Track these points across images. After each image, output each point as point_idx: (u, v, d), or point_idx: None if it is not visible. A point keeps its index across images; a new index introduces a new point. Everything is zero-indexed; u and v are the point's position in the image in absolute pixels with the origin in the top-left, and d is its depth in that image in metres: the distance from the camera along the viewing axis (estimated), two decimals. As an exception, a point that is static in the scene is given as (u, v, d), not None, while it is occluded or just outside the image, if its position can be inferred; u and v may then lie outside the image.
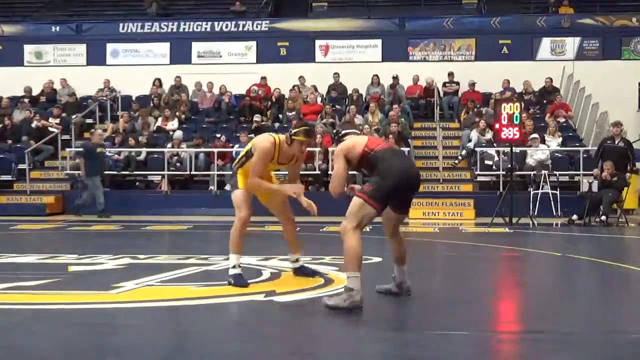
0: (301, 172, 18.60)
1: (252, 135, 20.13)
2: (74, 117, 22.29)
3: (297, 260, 8.12)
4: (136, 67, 24.98)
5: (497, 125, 16.53)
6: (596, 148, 17.60)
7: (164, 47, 25.41)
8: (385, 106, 22.08)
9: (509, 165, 17.10)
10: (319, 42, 24.92)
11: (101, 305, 6.64)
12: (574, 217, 16.17)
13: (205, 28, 25.60)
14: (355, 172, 7.24)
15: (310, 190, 19.01)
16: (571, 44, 24.00)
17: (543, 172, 17.86)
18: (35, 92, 24.30)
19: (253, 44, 25.17)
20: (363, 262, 6.33)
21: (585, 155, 18.55)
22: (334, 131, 7.24)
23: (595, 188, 16.87)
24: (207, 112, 23.00)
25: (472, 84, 22.94)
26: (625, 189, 16.38)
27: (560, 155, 18.93)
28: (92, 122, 22.81)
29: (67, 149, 20.37)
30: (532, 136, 18.80)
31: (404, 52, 24.57)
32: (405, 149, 18.82)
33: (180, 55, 25.14)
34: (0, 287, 7.42)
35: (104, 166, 18.52)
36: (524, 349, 5.37)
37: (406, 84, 23.46)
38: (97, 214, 17.58)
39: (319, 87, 23.20)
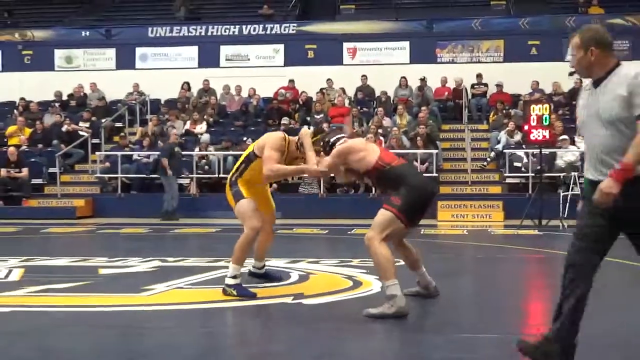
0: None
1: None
2: (103, 120, 22.46)
3: (262, 267, 7.92)
4: (165, 70, 25.12)
5: (526, 127, 16.45)
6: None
7: (193, 51, 25.54)
8: (414, 108, 22.03)
9: (538, 167, 16.99)
10: (346, 45, 24.92)
11: (131, 308, 6.70)
12: (604, 219, 16.00)
13: (234, 31, 25.71)
14: None
15: (338, 193, 19.03)
16: (601, 44, 23.75)
17: (573, 173, 17.70)
18: (65, 97, 24.53)
19: (281, 46, 25.23)
20: (396, 264, 6.30)
21: (615, 157, 18.36)
22: (324, 141, 6.91)
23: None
24: (235, 115, 23.08)
25: (501, 85, 22.82)
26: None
27: (590, 157, 18.74)
28: (122, 126, 22.99)
29: (97, 153, 20.54)
30: (561, 137, 18.66)
31: (432, 54, 24.49)
32: (434, 151, 18.78)
33: (209, 58, 25.25)
34: (32, 290, 7.51)
35: (180, 166, 18.67)
36: (553, 352, 5.33)
37: (434, 86, 23.39)
38: (163, 216, 17.74)
39: (346, 90, 23.19)
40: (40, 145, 21.21)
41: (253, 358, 5.10)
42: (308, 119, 22.35)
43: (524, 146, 18.65)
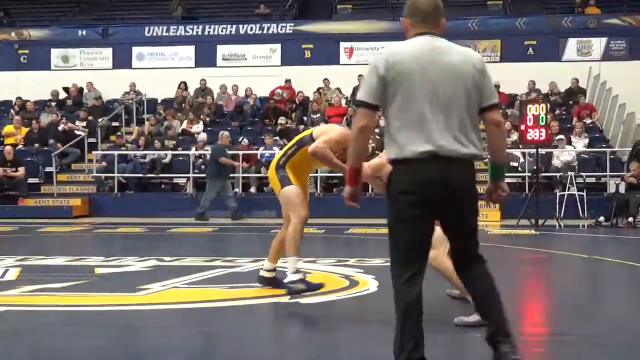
0: (326, 174, 18.81)
1: (277, 137, 20.22)
2: (100, 120, 22.45)
3: (274, 270, 7.36)
4: (161, 70, 25.09)
5: (522, 127, 16.45)
6: (627, 149, 17.46)
7: (189, 50, 25.52)
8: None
9: (535, 167, 17.00)
10: (343, 44, 24.91)
11: (128, 307, 6.69)
12: (601, 218, 16.04)
13: (230, 31, 25.69)
14: None
15: (335, 192, 19.03)
16: (598, 44, 23.81)
17: (569, 173, 17.74)
18: (62, 96, 24.50)
19: (277, 46, 25.21)
20: (389, 263, 6.25)
21: (612, 157, 18.40)
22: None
23: (622, 189, 16.73)
24: (231, 114, 23.07)
25: (498, 85, 22.80)
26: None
27: (586, 157, 18.79)
28: (118, 125, 22.96)
29: (94, 152, 20.52)
30: (558, 137, 18.68)
31: (429, 54, 24.47)
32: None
33: (205, 58, 25.23)
34: (28, 289, 7.49)
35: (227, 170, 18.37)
36: (550, 351, 5.35)
37: (431, 86, 23.35)
38: (195, 216, 17.50)
39: (343, 90, 23.18)
40: (36, 145, 21.18)
41: (250, 358, 5.09)
42: (305, 118, 22.35)
43: (520, 146, 18.65)
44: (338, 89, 23.07)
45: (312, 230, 14.84)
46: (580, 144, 19.05)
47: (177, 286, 7.75)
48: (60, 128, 21.58)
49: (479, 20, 24.84)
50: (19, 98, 23.93)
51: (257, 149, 19.75)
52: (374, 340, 5.52)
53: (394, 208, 4.18)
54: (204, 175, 19.09)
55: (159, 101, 24.04)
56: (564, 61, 23.78)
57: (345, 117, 21.43)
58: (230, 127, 22.13)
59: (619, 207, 15.94)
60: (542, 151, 17.64)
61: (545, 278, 9.43)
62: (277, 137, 20.31)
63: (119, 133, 21.50)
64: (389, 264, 7.40)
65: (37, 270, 9.02)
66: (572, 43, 23.95)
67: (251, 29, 25.54)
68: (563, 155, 18.39)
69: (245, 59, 25.25)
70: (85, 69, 25.55)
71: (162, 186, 20.16)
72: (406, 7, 4.30)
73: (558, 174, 18.12)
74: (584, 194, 17.32)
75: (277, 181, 7.04)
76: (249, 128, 22.01)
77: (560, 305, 7.17)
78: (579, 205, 17.13)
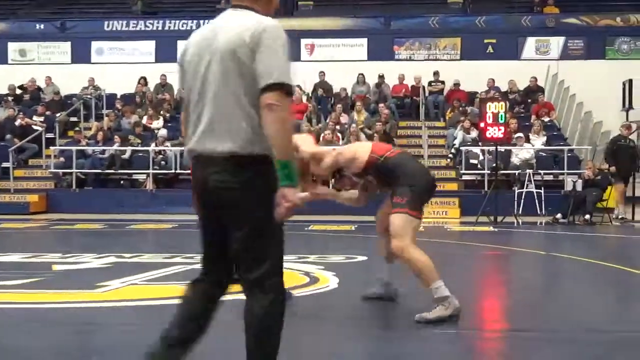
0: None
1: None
2: (58, 115, 22.18)
3: None
4: (121, 65, 24.88)
5: (482, 124, 16.59)
6: (584, 148, 17.68)
7: (149, 46, 25.33)
8: (371, 105, 22.09)
9: (494, 164, 17.15)
10: (304, 41, 24.89)
11: (86, 305, 6.62)
12: (558, 215, 16.24)
13: (191, 26, 25.49)
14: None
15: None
16: (556, 43, 24.09)
17: (528, 171, 17.92)
18: (19, 90, 24.17)
19: (238, 42, 25.09)
20: (350, 260, 6.28)
21: (569, 155, 18.63)
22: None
23: (579, 187, 16.94)
24: (192, 110, 22.89)
25: (457, 83, 22.99)
26: (609, 187, 16.49)
27: (544, 155, 19.00)
28: (77, 121, 22.71)
29: (52, 148, 20.27)
30: (516, 135, 18.85)
31: (389, 51, 24.58)
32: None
33: (166, 53, 25.00)
34: (-16, 286, 7.39)
35: None
36: (509, 347, 5.40)
37: (392, 83, 23.48)
38: None
39: (304, 86, 23.17)
40: (-8, 140, 20.90)
41: (205, 355, 5.06)
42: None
43: (480, 143, 18.81)
44: (299, 85, 23.04)
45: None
46: (538, 142, 19.25)
47: (136, 283, 7.69)
48: (17, 123, 21.29)
49: (439, 18, 24.99)
50: (-25, 92, 23.59)
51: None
52: (332, 336, 5.53)
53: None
54: (164, 171, 18.96)
55: (119, 96, 23.81)
56: (523, 60, 24.01)
57: (305, 114, 21.44)
58: (191, 123, 22.00)
59: (576, 204, 16.14)
60: (501, 149, 17.80)
61: (504, 274, 9.52)
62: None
63: (77, 128, 21.28)
64: (349, 260, 7.42)
65: (-7, 267, 8.90)
66: (530, 42, 24.20)
67: (212, 25, 25.40)
68: (522, 153, 18.57)
69: (206, 54, 25.09)
70: (43, 63, 25.24)
71: (122, 182, 19.99)
72: None
73: (517, 172, 18.30)
74: (542, 191, 17.50)
75: None
76: (210, 124, 21.88)
77: (518, 301, 7.24)
78: (537, 202, 17.31)
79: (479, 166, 18.81)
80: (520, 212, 16.98)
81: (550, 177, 18.67)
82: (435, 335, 5.52)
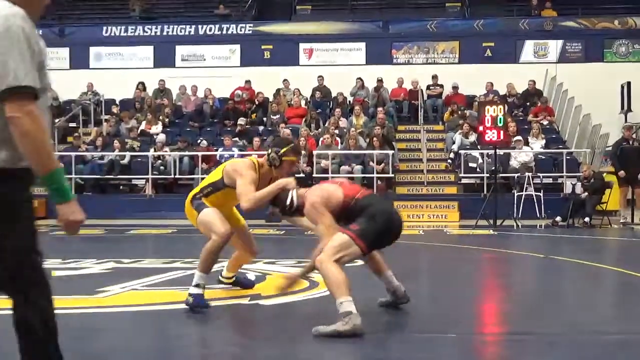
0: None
1: (237, 138, 20.16)
2: (57, 121, 22.19)
3: (231, 277, 7.42)
4: (120, 70, 24.91)
5: (480, 128, 16.61)
6: (582, 150, 17.69)
7: (148, 51, 25.36)
8: (370, 109, 22.11)
9: (493, 168, 17.16)
10: (302, 46, 24.94)
11: (86, 310, 6.62)
12: (558, 218, 16.25)
13: (189, 31, 25.58)
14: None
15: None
16: (554, 46, 24.14)
17: (527, 174, 17.94)
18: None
19: (237, 47, 25.16)
20: (350, 265, 6.26)
21: (568, 157, 18.65)
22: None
23: (578, 190, 16.98)
24: (191, 115, 22.95)
25: (456, 87, 23.01)
26: (608, 190, 16.50)
27: (543, 158, 19.02)
28: (76, 126, 22.72)
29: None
30: (515, 138, 18.87)
31: (388, 55, 24.62)
32: (390, 152, 18.86)
33: (164, 58, 25.09)
34: (-16, 293, 7.37)
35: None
36: (508, 351, 5.40)
37: (390, 87, 23.50)
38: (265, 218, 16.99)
39: (303, 90, 23.20)
40: (-8, 146, 20.85)
41: (205, 359, 5.07)
42: (265, 119, 22.33)
43: (478, 147, 18.82)
44: (297, 89, 23.08)
45: (271, 232, 14.83)
46: (537, 145, 19.27)
47: (137, 288, 7.68)
48: (16, 129, 21.27)
49: (437, 22, 25.04)
50: (-27, 98, 23.55)
51: (217, 150, 19.67)
52: (331, 341, 5.52)
53: None
54: (163, 176, 18.96)
55: (117, 102, 23.83)
56: (521, 63, 24.05)
57: (304, 118, 21.47)
58: (190, 128, 22.04)
59: (576, 207, 16.17)
60: (500, 152, 17.82)
61: (503, 278, 9.52)
62: (237, 138, 20.27)
63: (76, 134, 21.28)
64: (350, 265, 7.39)
65: (-8, 273, 8.86)
66: (529, 45, 24.25)
67: (210, 30, 25.47)
68: (520, 156, 18.58)
69: (205, 59, 25.17)
70: (42, 69, 25.20)
71: (121, 187, 20.00)
72: None
73: (516, 175, 18.31)
74: (541, 194, 17.52)
75: (193, 210, 6.72)
76: (209, 129, 21.92)
77: (517, 304, 7.24)
78: (536, 205, 17.33)
79: (477, 169, 18.83)
80: (519, 215, 16.99)
81: (550, 180, 18.68)
82: (435, 340, 5.52)
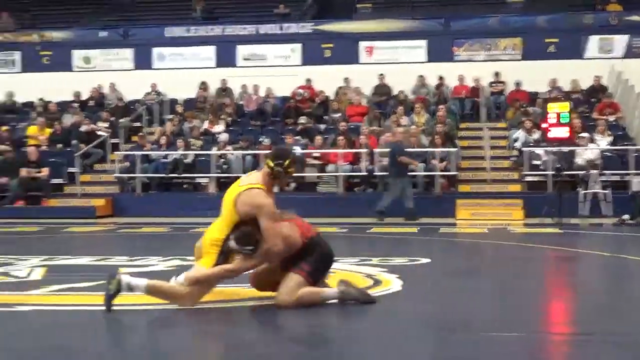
0: (348, 173, 18.80)
1: (298, 137, 20.25)
2: (122, 120, 22.56)
3: None
4: (182, 70, 25.20)
5: (544, 125, 16.38)
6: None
7: (210, 51, 25.60)
8: (431, 107, 21.99)
9: (558, 165, 16.92)
10: (363, 44, 24.90)
11: (152, 307, 6.71)
12: (625, 216, 15.93)
13: (250, 31, 25.74)
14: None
15: (357, 192, 19.03)
16: (620, 41, 23.67)
17: (592, 171, 17.63)
18: (84, 97, 24.64)
19: (298, 46, 25.24)
20: (413, 262, 6.25)
21: (636, 154, 18.27)
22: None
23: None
24: (252, 114, 23.11)
25: (519, 83, 22.75)
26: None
27: (610, 155, 18.67)
28: (140, 126, 23.07)
29: (116, 153, 20.64)
30: (580, 135, 18.58)
31: (449, 52, 24.44)
32: (452, 150, 18.72)
33: (226, 58, 25.30)
34: (54, 289, 7.55)
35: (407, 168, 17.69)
36: (574, 351, 5.32)
37: (452, 84, 23.34)
38: (404, 216, 16.88)
39: (363, 89, 23.18)
40: (59, 146, 21.31)
41: (266, 357, 5.10)
42: (325, 118, 22.38)
43: (543, 144, 18.57)
44: (357, 88, 23.06)
45: (335, 230, 14.85)
46: (603, 142, 18.93)
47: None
48: (82, 129, 21.71)
49: (499, 18, 24.76)
50: (41, 99, 24.09)
51: (279, 149, 19.74)
52: (396, 339, 5.51)
53: None
54: (226, 175, 19.10)
55: (180, 101, 24.12)
56: (586, 59, 23.64)
57: (366, 116, 21.46)
58: (252, 127, 22.20)
59: (644, 205, 15.83)
60: (565, 149, 17.55)
61: (569, 277, 9.38)
62: (298, 137, 20.35)
63: (140, 133, 21.60)
64: (413, 263, 7.41)
65: (62, 270, 9.08)
66: (593, 40, 23.82)
67: (271, 29, 25.60)
68: (586, 154, 18.28)
69: (266, 59, 25.30)
70: (107, 70, 25.69)
71: (185, 186, 20.23)
72: None
73: (581, 172, 18.01)
74: (608, 192, 17.20)
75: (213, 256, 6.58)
76: (270, 128, 22.04)
77: (583, 303, 7.14)
78: (602, 203, 17.01)
79: (542, 167, 18.57)
80: (585, 213, 16.71)
81: (617, 178, 18.32)
82: (502, 338, 5.47)
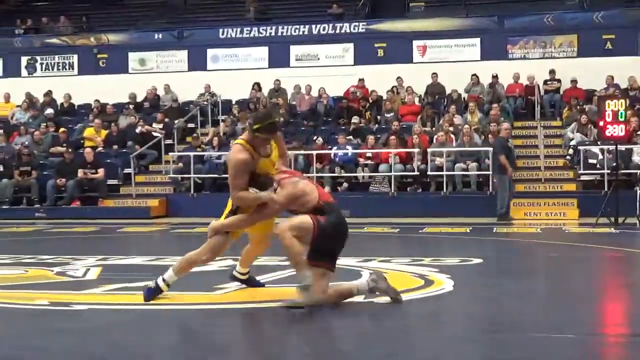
0: (400, 173, 18.75)
1: (351, 137, 20.25)
2: (176, 122, 22.80)
3: (247, 273, 7.56)
4: (236, 71, 25.37)
5: (601, 123, 16.13)
6: None
7: (263, 51, 25.72)
8: (485, 105, 21.80)
9: (614, 164, 16.64)
10: (416, 43, 24.78)
11: (204, 306, 6.78)
12: (683, 216, 15.60)
13: (303, 31, 25.80)
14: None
15: (409, 192, 18.97)
16: (679, 37, 23.18)
17: (650, 170, 17.29)
18: (139, 99, 24.96)
19: (350, 45, 25.23)
20: (465, 262, 6.22)
21: (695, 153, 17.88)
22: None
23: None
24: (305, 114, 23.17)
25: (574, 81, 22.43)
26: None
27: (668, 153, 18.29)
28: (194, 127, 23.29)
29: (170, 153, 20.87)
30: (638, 133, 18.24)
31: (503, 50, 24.19)
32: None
33: (279, 58, 25.40)
34: (109, 288, 7.67)
35: (515, 163, 17.62)
36: (629, 353, 5.24)
37: (506, 83, 23.10)
38: (496, 216, 16.81)
39: (416, 88, 23.06)
40: (115, 147, 21.62)
41: (321, 356, 5.11)
42: (378, 117, 22.34)
43: (598, 142, 18.28)
44: (411, 87, 22.97)
45: (386, 230, 14.83)
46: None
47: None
48: (138, 130, 22.00)
49: (554, 15, 24.42)
50: (97, 101, 24.47)
51: (331, 149, 19.78)
52: (447, 339, 5.49)
53: None
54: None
55: (234, 102, 24.29)
56: (644, 55, 23.19)
57: (419, 115, 21.37)
58: (304, 127, 22.26)
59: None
60: (622, 148, 17.26)
61: (626, 277, 9.22)
62: (351, 137, 20.35)
63: (194, 134, 21.80)
64: (464, 263, 7.35)
65: (117, 270, 9.22)
66: (651, 36, 23.36)
67: (324, 29, 25.62)
68: (643, 152, 17.94)
69: (318, 59, 25.34)
70: (161, 71, 25.99)
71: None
72: None
73: (638, 171, 17.69)
74: (666, 191, 16.85)
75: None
76: (323, 128, 22.07)
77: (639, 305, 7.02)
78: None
79: (598, 166, 18.28)
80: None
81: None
82: (554, 340, 5.41)
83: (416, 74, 23.52)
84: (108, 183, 20.09)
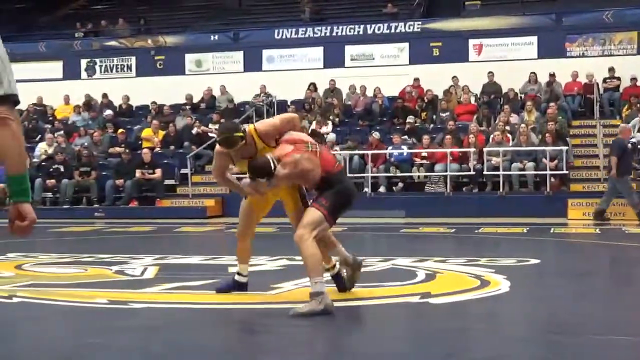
0: (456, 173, 18.62)
1: (406, 137, 20.18)
2: (232, 122, 22.93)
3: (334, 267, 7.26)
4: (291, 72, 25.47)
5: (662, 122, 15.81)
6: None
7: (318, 52, 25.78)
8: (542, 104, 21.54)
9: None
10: (472, 41, 24.59)
11: (261, 306, 6.82)
12: None
13: (358, 31, 25.79)
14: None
15: (465, 192, 18.83)
16: None
17: None
18: (195, 99, 25.21)
19: (405, 45, 25.14)
20: (522, 263, 6.16)
21: None
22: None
23: None
24: (360, 114, 23.15)
25: (635, 79, 22.02)
26: None
27: None
28: (249, 127, 23.41)
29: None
30: (701, 132, 17.86)
31: (561, 48, 23.88)
32: (563, 148, 18.28)
33: (334, 58, 25.43)
34: (166, 287, 7.76)
35: (630, 167, 17.10)
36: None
37: (564, 81, 22.79)
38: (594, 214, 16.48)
39: (472, 87, 22.88)
40: (172, 147, 21.87)
41: (377, 357, 5.10)
42: (434, 117, 22.22)
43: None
44: (466, 86, 22.80)
45: (442, 230, 14.75)
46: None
47: (309, 285, 7.82)
48: (194, 131, 22.21)
49: (614, 11, 24.01)
50: (154, 102, 24.78)
51: (386, 148, 19.74)
52: (504, 340, 5.44)
53: None
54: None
55: (289, 102, 24.39)
56: None
57: (475, 115, 21.19)
58: (359, 127, 22.24)
59: None
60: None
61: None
62: (406, 137, 20.28)
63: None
64: (521, 264, 7.27)
65: (174, 269, 9.32)
66: None
67: (379, 29, 25.57)
68: None
69: (373, 58, 25.31)
70: (217, 72, 26.22)
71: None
72: None
73: (701, 170, 17.31)
74: None
75: None
76: (378, 128, 22.02)
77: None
78: None
79: (657, 165, 17.92)
80: None
81: None
82: (613, 342, 5.32)
83: (472, 73, 23.34)
84: (165, 183, 20.33)
